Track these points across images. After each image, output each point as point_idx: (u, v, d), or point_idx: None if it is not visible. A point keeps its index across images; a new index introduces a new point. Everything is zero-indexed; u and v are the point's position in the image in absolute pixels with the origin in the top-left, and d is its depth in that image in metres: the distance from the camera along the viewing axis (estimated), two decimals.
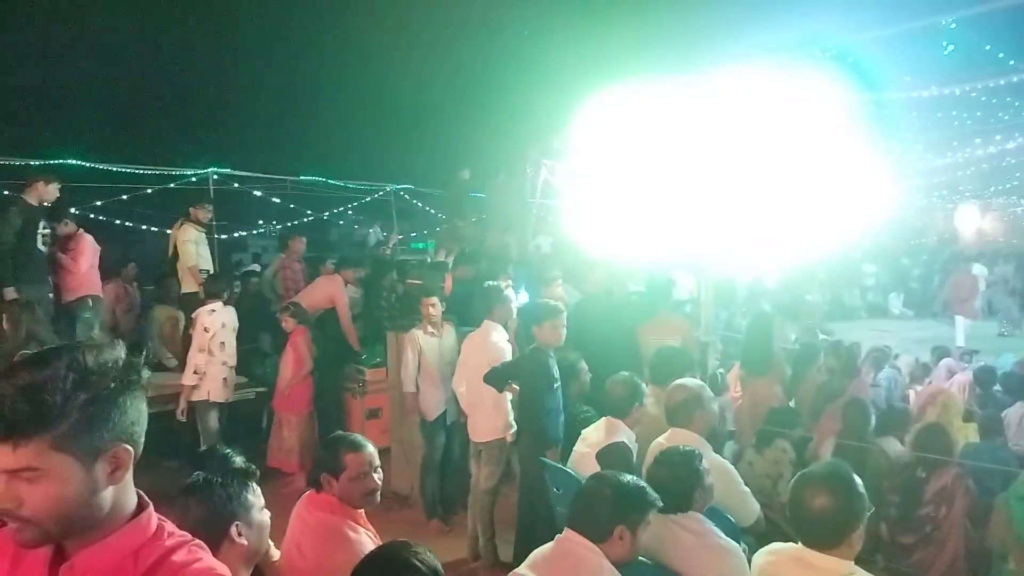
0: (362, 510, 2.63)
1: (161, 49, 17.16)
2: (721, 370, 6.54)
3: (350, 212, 21.92)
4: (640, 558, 2.73)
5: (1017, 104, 9.90)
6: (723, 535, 2.67)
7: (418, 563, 1.79)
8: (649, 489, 2.47)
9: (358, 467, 2.52)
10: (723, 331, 11.04)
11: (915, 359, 7.86)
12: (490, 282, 5.11)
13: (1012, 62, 5.91)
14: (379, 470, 2.62)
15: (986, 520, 4.20)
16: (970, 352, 8.89)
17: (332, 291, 6.95)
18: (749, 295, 19.08)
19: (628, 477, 2.50)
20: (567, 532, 2.43)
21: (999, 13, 5.51)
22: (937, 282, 19.65)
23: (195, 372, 5.66)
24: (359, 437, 2.67)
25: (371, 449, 2.62)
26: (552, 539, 2.48)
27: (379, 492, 2.62)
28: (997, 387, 6.56)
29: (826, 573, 2.14)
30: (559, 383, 4.42)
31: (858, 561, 4.46)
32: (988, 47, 5.93)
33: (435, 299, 5.23)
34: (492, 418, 4.81)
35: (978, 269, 17.29)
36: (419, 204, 19.95)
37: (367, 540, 2.50)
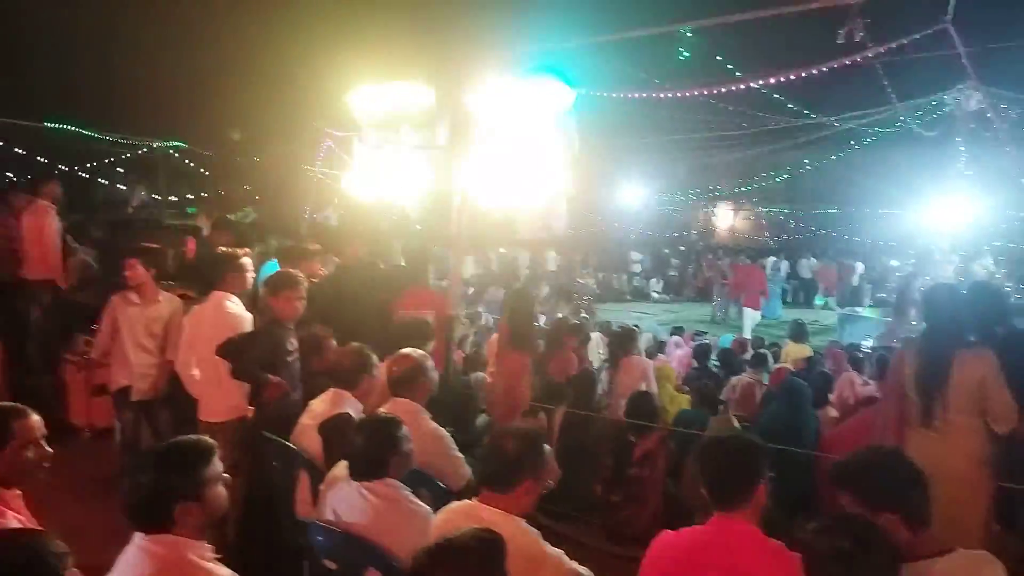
0: (18, 492, 2.37)
1: None
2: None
3: (121, 170, 19.61)
4: (329, 526, 2.72)
5: (750, 114, 11.33)
6: (415, 499, 2.74)
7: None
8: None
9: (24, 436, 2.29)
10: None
11: (653, 336, 8.73)
12: (224, 249, 4.78)
13: (738, 74, 6.69)
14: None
15: (687, 479, 4.76)
16: (701, 332, 10.05)
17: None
18: (531, 275, 20.15)
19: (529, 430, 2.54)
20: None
21: (727, 27, 6.12)
22: (691, 270, 22.11)
23: None
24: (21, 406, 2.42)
25: (36, 418, 2.41)
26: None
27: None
28: (715, 361, 7.45)
29: (491, 525, 2.26)
30: (296, 357, 4.27)
31: (572, 520, 4.88)
32: (719, 57, 6.69)
33: (135, 261, 4.79)
34: (229, 395, 4.53)
35: (771, 263, 19.62)
36: (193, 165, 18.35)
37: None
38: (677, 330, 8.22)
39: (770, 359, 7.08)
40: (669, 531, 2.40)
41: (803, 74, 5.77)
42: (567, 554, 2.51)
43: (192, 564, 2.00)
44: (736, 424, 4.82)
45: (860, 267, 20.50)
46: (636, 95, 6.88)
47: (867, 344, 8.91)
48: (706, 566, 2.19)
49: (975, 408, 3.45)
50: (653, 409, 4.86)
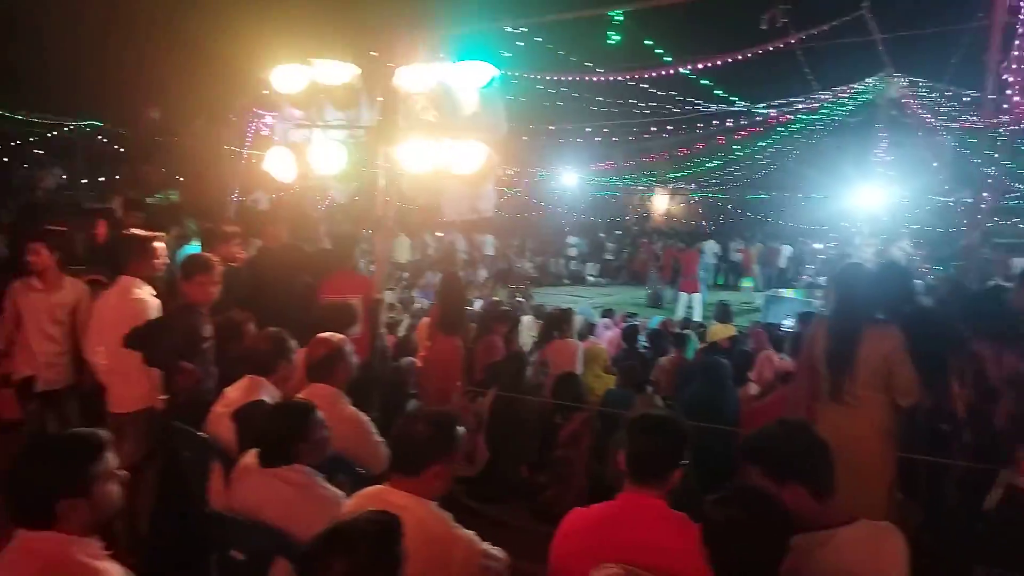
0: None
1: None
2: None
3: (41, 152, 18.51)
4: (237, 515, 2.64)
5: (680, 99, 11.51)
6: (327, 486, 2.67)
7: None
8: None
9: None
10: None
11: (585, 319, 8.79)
12: (133, 231, 4.56)
13: (669, 59, 6.76)
14: None
15: (612, 458, 4.82)
16: (632, 315, 10.20)
17: None
18: (469, 259, 20.11)
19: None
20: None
21: (656, 13, 6.16)
22: (626, 254, 22.45)
23: None
24: None
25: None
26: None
27: None
28: (644, 342, 7.56)
29: (400, 509, 2.22)
30: (210, 343, 4.12)
31: (499, 501, 4.89)
32: (648, 42, 6.75)
33: (39, 245, 4.54)
34: (138, 384, 4.33)
35: (709, 246, 19.95)
36: (113, 146, 17.51)
37: None
38: (608, 313, 8.32)
39: (694, 338, 7.23)
40: (579, 508, 2.41)
41: (728, 60, 5.87)
42: (491, 536, 2.50)
43: (77, 563, 1.89)
44: (660, 403, 4.90)
45: (787, 250, 21.20)
46: (564, 78, 6.87)
47: (788, 323, 9.22)
48: (613, 541, 2.20)
49: (881, 383, 3.58)
50: (578, 391, 4.89)
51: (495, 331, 6.11)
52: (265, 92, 5.99)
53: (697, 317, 13.09)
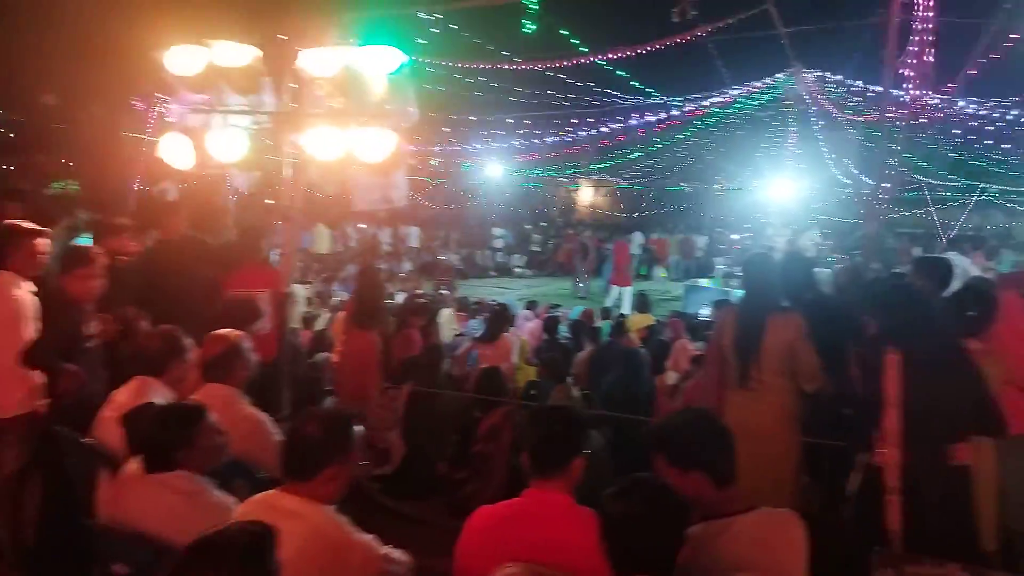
0: None
1: None
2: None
3: None
4: (120, 526, 2.46)
5: (598, 89, 11.60)
6: (216, 493, 2.52)
7: None
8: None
9: None
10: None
11: (502, 304, 8.71)
12: (10, 223, 4.19)
13: (585, 49, 6.75)
14: None
15: None
16: (555, 306, 10.24)
17: None
18: (393, 251, 19.81)
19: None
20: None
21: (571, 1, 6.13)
22: (552, 246, 22.58)
23: None
24: None
25: None
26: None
27: None
28: (566, 333, 7.57)
29: (292, 516, 2.10)
30: (95, 342, 3.84)
31: (416, 498, 4.78)
32: (565, 32, 6.73)
33: None
34: (18, 387, 4.00)
35: (636, 237, 20.14)
36: (10, 134, 16.34)
37: None
38: (531, 304, 8.29)
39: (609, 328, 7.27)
40: (485, 506, 2.34)
41: (640, 51, 5.91)
42: (408, 533, 2.41)
43: None
44: (576, 393, 4.90)
45: (703, 240, 21.79)
46: (478, 66, 6.78)
47: (704, 312, 9.45)
48: (517, 539, 2.15)
49: (786, 369, 3.67)
50: (501, 384, 4.83)
51: (412, 324, 5.98)
52: (162, 74, 5.64)
53: (625, 309, 13.25)
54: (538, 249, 22.95)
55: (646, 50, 6.43)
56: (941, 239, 19.99)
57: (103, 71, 10.96)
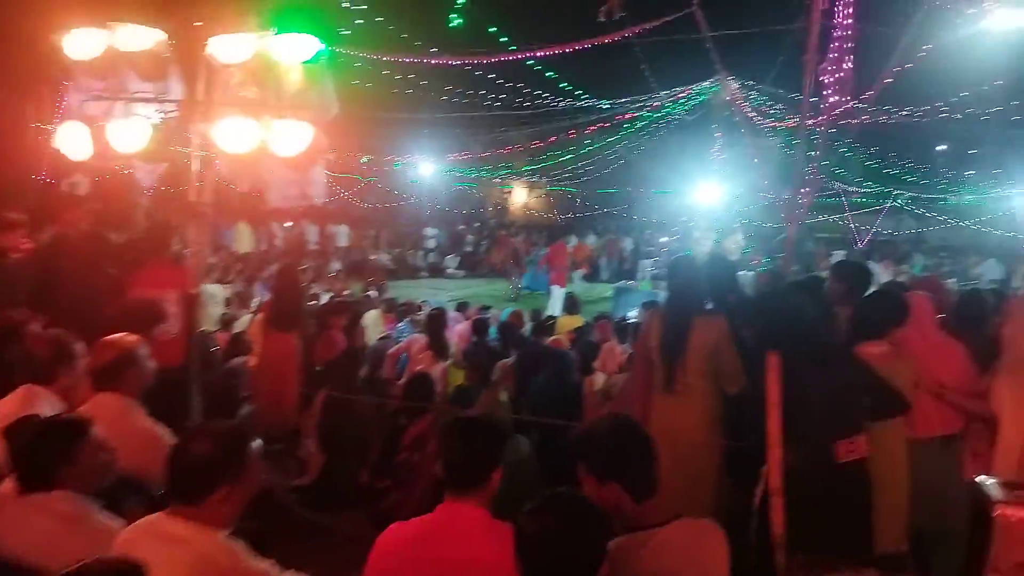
0: None
1: None
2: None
3: None
4: None
5: (527, 90, 11.56)
6: (100, 517, 2.29)
7: None
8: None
9: None
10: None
11: (437, 308, 8.52)
12: None
13: (513, 47, 6.66)
14: None
15: None
16: (486, 307, 10.09)
17: None
18: (320, 250, 19.27)
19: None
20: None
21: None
22: (485, 247, 22.46)
23: None
24: None
25: None
26: None
27: None
28: (493, 336, 7.44)
29: (181, 543, 1.91)
30: None
31: (335, 509, 4.58)
32: (493, 29, 6.61)
33: None
34: None
35: (572, 240, 20.09)
36: None
37: None
38: (461, 305, 8.13)
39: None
40: (397, 523, 2.20)
41: (567, 51, 5.86)
42: (325, 547, 2.23)
43: None
44: (504, 398, 4.78)
45: (630, 243, 22.10)
46: (400, 59, 6.60)
47: (632, 314, 9.52)
48: (429, 558, 2.02)
49: (710, 371, 3.65)
50: (430, 390, 4.66)
51: (333, 325, 5.75)
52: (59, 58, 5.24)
53: (556, 311, 13.22)
54: (471, 250, 22.77)
55: (572, 50, 6.37)
56: (857, 244, 20.91)
57: (4, 55, 10.21)
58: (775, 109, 14.56)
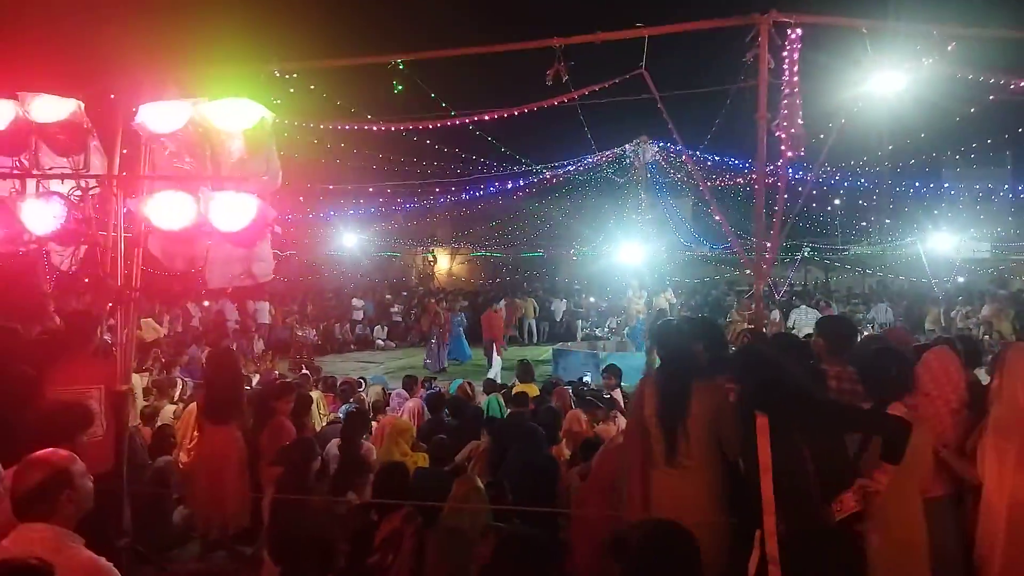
0: None
1: None
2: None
3: None
4: None
5: (464, 156, 11.49)
6: None
7: None
8: None
9: None
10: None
11: (382, 388, 8.04)
12: None
13: (453, 112, 6.54)
14: None
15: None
16: (431, 379, 9.64)
17: None
18: (241, 328, 18.27)
19: None
20: None
21: (442, 63, 5.89)
22: (414, 315, 21.94)
23: None
24: None
25: None
26: None
27: None
28: (445, 411, 7.00)
29: None
30: None
31: None
32: (433, 95, 6.49)
33: None
34: None
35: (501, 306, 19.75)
36: None
37: None
38: (409, 380, 7.66)
39: (497, 400, 6.83)
40: None
41: (504, 116, 5.77)
42: None
43: None
44: (479, 484, 4.37)
45: (563, 304, 22.13)
46: (339, 126, 6.36)
47: (587, 377, 9.31)
48: None
49: (712, 439, 3.41)
50: (404, 481, 4.17)
51: (280, 411, 5.23)
52: None
53: (494, 375, 12.87)
54: (400, 319, 22.20)
55: (511, 115, 6.30)
56: (775, 295, 21.69)
57: None
58: (701, 170, 15.05)
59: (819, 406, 3.08)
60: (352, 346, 19.98)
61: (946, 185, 20.38)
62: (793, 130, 4.61)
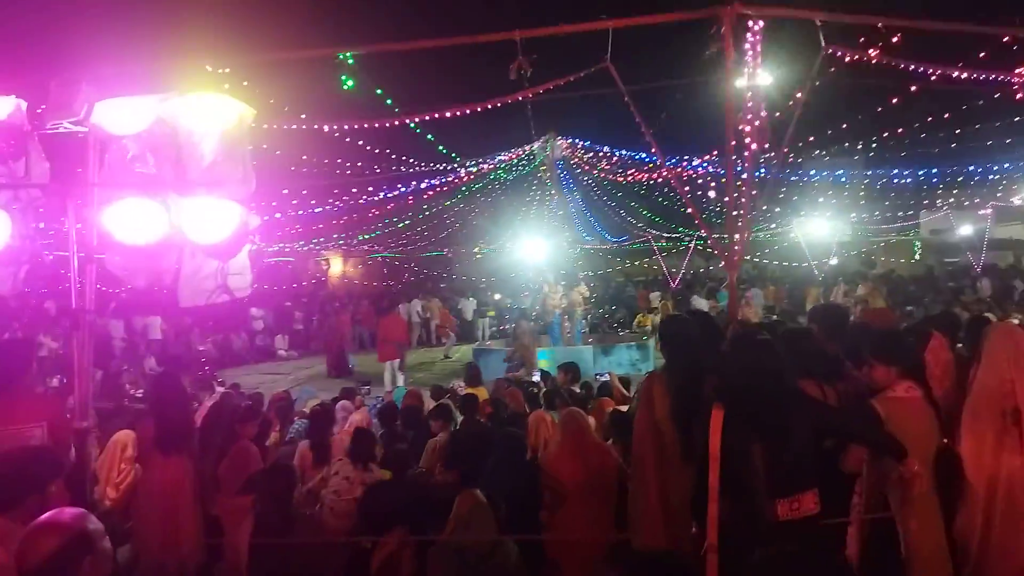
0: None
1: None
2: None
3: None
4: None
5: (394, 155, 11.08)
6: None
7: None
8: None
9: None
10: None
11: (320, 403, 7.60)
12: None
13: (397, 109, 6.26)
14: None
15: None
16: (363, 384, 9.23)
17: None
18: (128, 346, 16.85)
19: None
20: None
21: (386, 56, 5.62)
22: (316, 322, 21.07)
23: None
24: None
25: None
26: None
27: None
28: (398, 422, 6.71)
29: None
30: None
31: None
32: (380, 91, 6.17)
33: None
34: None
35: (412, 306, 19.12)
36: None
37: None
38: (348, 392, 7.24)
39: (454, 411, 6.61)
40: None
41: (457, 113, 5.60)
42: None
43: None
44: (483, 499, 4.18)
45: (472, 303, 21.98)
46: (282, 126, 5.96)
47: (536, 378, 9.26)
48: None
49: None
50: (395, 505, 3.91)
51: (243, 434, 4.81)
52: None
53: (400, 383, 12.42)
54: (301, 327, 21.26)
55: (458, 113, 6.13)
56: (671, 283, 22.60)
57: None
58: (604, 166, 15.38)
59: (781, 403, 2.97)
60: (252, 357, 18.91)
61: (812, 172, 21.75)
62: (757, 123, 4.74)
